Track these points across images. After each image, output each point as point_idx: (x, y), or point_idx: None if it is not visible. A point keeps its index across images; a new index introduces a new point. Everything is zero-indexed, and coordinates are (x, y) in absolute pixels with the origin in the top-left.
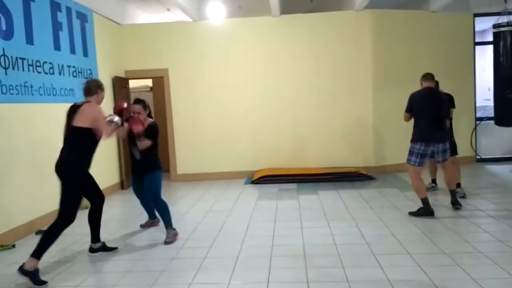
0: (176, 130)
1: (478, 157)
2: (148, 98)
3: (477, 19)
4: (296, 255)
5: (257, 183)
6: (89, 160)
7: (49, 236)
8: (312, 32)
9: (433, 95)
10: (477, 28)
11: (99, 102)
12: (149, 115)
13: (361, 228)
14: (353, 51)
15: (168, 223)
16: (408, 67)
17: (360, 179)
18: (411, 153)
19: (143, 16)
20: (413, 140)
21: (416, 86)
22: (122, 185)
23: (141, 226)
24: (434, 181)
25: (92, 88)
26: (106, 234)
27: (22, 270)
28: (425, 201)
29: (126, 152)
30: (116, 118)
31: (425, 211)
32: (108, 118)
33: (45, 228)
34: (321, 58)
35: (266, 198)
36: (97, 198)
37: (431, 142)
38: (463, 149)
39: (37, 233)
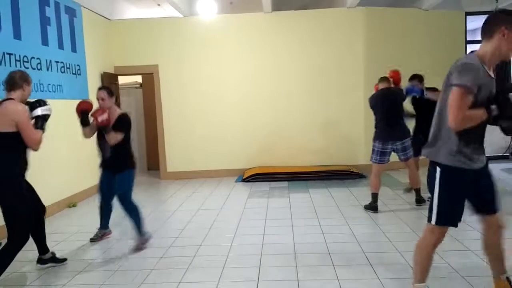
0: (166, 127)
1: None
2: (138, 95)
3: (469, 17)
4: (286, 253)
5: (248, 181)
6: (21, 165)
7: (3, 260)
8: (304, 29)
9: (386, 95)
10: (468, 27)
11: (24, 99)
12: (117, 104)
13: (351, 226)
14: (345, 49)
15: (138, 227)
16: (400, 65)
17: (351, 177)
18: (372, 151)
19: (133, 11)
20: (373, 139)
21: (407, 83)
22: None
23: (91, 240)
24: None
25: (18, 81)
26: (93, 234)
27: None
28: (374, 196)
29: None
30: (40, 112)
31: (370, 205)
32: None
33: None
34: (313, 55)
35: (256, 196)
36: (37, 209)
37: (388, 140)
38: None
39: None
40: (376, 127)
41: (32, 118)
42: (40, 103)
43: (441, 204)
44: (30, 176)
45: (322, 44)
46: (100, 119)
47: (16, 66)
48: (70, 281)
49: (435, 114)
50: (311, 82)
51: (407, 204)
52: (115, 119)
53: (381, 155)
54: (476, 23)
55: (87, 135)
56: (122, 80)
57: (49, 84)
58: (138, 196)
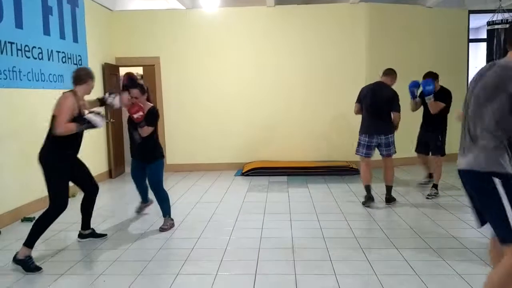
0: (166, 119)
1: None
2: None
3: (472, 16)
4: (284, 247)
5: (248, 175)
6: (68, 147)
7: (40, 225)
8: (307, 24)
9: (378, 89)
10: (471, 25)
11: (88, 92)
12: (148, 99)
13: (349, 221)
14: (348, 44)
15: (166, 212)
16: (402, 62)
17: (350, 173)
18: (358, 144)
19: (136, 2)
20: (359, 132)
21: (409, 80)
22: (111, 174)
23: (137, 212)
24: (430, 175)
25: (82, 76)
26: (94, 224)
27: (15, 259)
28: (366, 188)
29: (115, 140)
30: (96, 119)
31: (365, 198)
32: (88, 116)
33: (31, 215)
34: (315, 50)
35: (256, 190)
36: (89, 187)
37: (373, 134)
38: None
39: (22, 220)
40: (362, 119)
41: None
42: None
43: None
44: (35, 162)
45: (324, 39)
46: (136, 116)
47: (17, 55)
48: (69, 270)
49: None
50: (312, 77)
51: (405, 201)
52: (146, 112)
53: (367, 148)
54: (479, 21)
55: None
56: (123, 71)
57: (50, 74)
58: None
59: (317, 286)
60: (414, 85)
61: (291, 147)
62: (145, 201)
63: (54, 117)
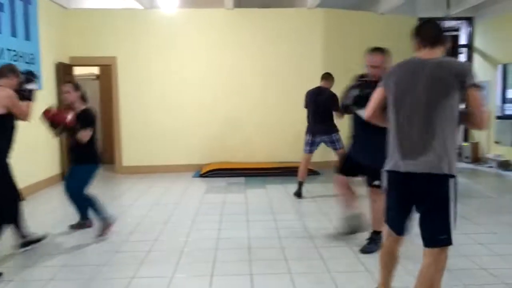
0: (123, 120)
1: None
2: (95, 87)
3: None
4: (241, 248)
5: (206, 176)
6: (6, 149)
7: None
8: (265, 27)
9: (317, 93)
10: None
11: (11, 87)
12: (83, 98)
13: (305, 221)
14: (304, 48)
15: (100, 214)
16: (357, 66)
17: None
18: (305, 143)
19: (91, 0)
20: (305, 132)
21: None
22: (63, 176)
23: (71, 226)
24: None
25: (4, 71)
26: (48, 227)
27: None
28: (299, 184)
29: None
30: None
31: (296, 192)
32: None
33: None
34: (273, 54)
35: (213, 192)
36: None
37: (315, 134)
38: None
39: None
40: (307, 121)
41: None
42: (33, 76)
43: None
44: None
45: (281, 43)
46: (67, 121)
47: None
48: (16, 277)
49: (438, 122)
50: (270, 80)
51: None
52: (79, 112)
53: (310, 146)
54: None
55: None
56: (78, 71)
57: None
58: (92, 190)
59: (272, 285)
60: None
61: (249, 149)
62: (83, 218)
63: (6, 114)
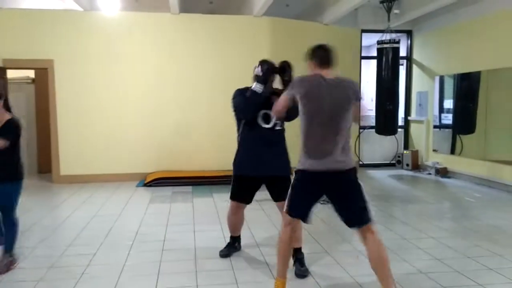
0: (60, 127)
1: (360, 162)
2: (30, 90)
3: (364, 34)
4: (186, 259)
5: (150, 185)
6: None
7: None
8: (211, 33)
9: None
10: (363, 43)
11: None
12: (6, 107)
13: (252, 230)
14: (250, 56)
15: (10, 246)
16: (303, 74)
17: None
18: None
19: (27, 1)
20: None
21: None
22: None
23: None
24: None
25: None
26: None
27: None
28: None
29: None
30: None
31: None
32: None
33: None
34: (219, 60)
35: (158, 201)
36: None
37: None
38: None
39: None
40: None
41: None
42: None
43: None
44: None
45: (227, 49)
46: None
47: None
48: None
49: (342, 127)
50: (214, 86)
51: None
52: (2, 123)
53: None
54: (370, 40)
55: None
56: (11, 74)
57: None
58: (27, 201)
59: None
60: None
61: (195, 157)
62: None
63: None
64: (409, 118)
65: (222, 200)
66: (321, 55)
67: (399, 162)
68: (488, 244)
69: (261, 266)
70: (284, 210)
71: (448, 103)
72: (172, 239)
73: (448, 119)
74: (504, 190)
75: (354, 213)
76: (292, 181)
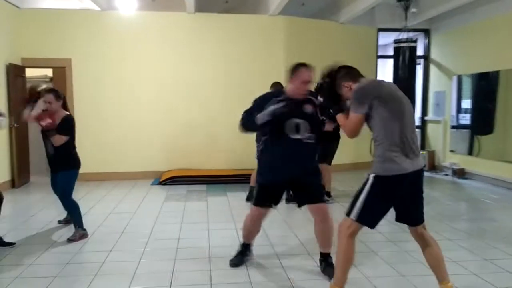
0: (77, 125)
1: None
2: None
3: (381, 33)
4: (200, 257)
5: (165, 184)
6: None
7: None
8: (227, 32)
9: None
10: (380, 42)
11: None
12: (64, 106)
13: (266, 229)
14: (266, 55)
15: (76, 223)
16: (317, 74)
17: None
18: (257, 149)
19: (46, 0)
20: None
21: None
22: (13, 184)
23: (59, 221)
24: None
25: None
26: None
27: None
28: (250, 189)
29: (19, 146)
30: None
31: (247, 197)
32: None
33: None
34: (234, 59)
35: (173, 200)
36: None
37: None
38: (366, 155)
39: None
40: None
41: None
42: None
43: None
44: None
45: (243, 48)
46: (43, 123)
47: None
48: None
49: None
50: (231, 85)
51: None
52: (60, 120)
53: None
54: (386, 39)
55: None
56: (30, 73)
57: None
58: (45, 198)
59: None
60: None
61: (210, 155)
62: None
63: None
64: (426, 118)
65: (236, 199)
66: (349, 71)
67: None
68: (506, 246)
69: (275, 266)
70: (353, 218)
71: (466, 103)
72: (187, 237)
73: (466, 119)
74: None
75: (421, 212)
76: (367, 187)
